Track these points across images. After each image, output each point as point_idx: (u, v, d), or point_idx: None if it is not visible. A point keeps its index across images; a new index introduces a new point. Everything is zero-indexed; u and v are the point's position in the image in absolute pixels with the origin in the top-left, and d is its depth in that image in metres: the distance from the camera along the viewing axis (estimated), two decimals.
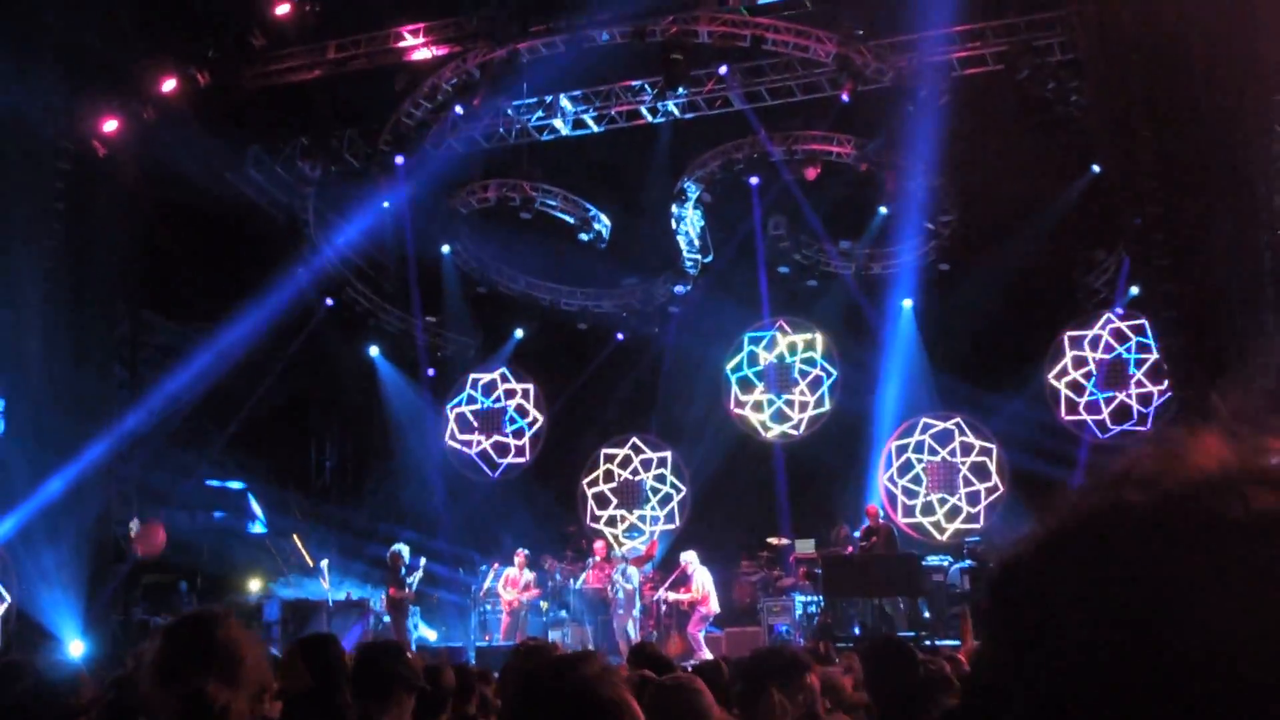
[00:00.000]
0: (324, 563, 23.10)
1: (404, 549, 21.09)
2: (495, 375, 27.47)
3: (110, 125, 20.59)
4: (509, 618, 21.38)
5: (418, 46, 20.65)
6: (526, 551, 21.96)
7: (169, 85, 20.45)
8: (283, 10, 19.84)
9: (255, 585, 23.95)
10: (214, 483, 24.89)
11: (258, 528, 25.13)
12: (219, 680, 3.45)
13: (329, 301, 25.26)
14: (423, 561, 21.19)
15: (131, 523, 21.64)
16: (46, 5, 19.24)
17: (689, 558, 20.39)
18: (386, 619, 21.48)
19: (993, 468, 23.46)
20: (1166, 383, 21.16)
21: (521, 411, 27.32)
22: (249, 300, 23.56)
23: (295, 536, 24.37)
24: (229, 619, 3.63)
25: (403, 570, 20.67)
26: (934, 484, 23.84)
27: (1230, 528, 1.03)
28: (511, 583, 21.52)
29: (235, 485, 25.39)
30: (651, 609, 20.80)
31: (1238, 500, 1.05)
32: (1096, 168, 20.90)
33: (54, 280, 20.19)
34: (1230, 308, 16.52)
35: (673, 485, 26.01)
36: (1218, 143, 16.40)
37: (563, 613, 21.79)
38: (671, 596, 20.50)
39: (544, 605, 21.65)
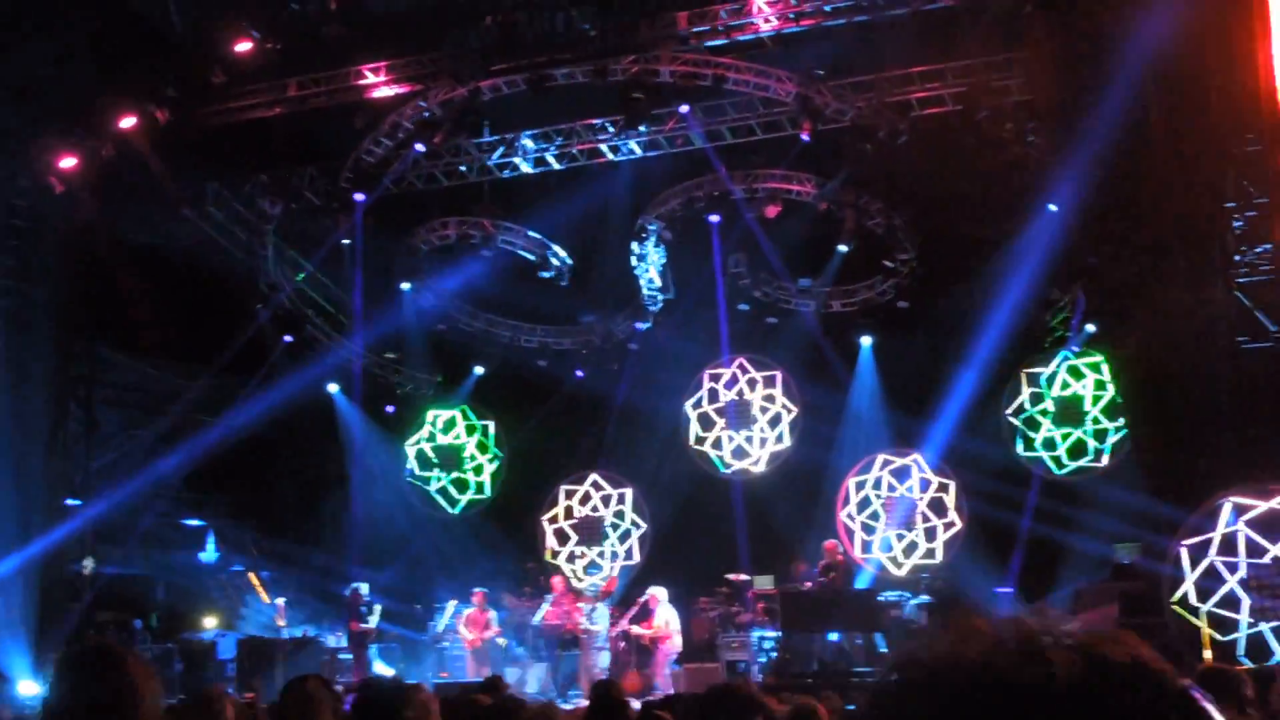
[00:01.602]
0: (280, 600, 23.01)
1: (363, 586, 21.07)
2: (455, 412, 27.43)
3: (68, 162, 20.52)
4: (472, 658, 21.36)
5: (379, 84, 20.69)
6: (485, 590, 21.95)
7: (128, 122, 20.41)
8: (244, 48, 19.86)
9: (211, 623, 23.80)
10: (170, 520, 24.74)
11: (209, 555, 24.97)
12: None
13: (288, 338, 25.17)
14: (379, 608, 21.18)
15: (85, 561, 21.52)
16: (3, 41, 19.22)
17: (657, 593, 20.45)
18: (342, 656, 21.40)
19: (950, 504, 23.56)
20: (1121, 420, 21.37)
21: (481, 448, 27.28)
22: (208, 338, 23.54)
23: (251, 575, 24.23)
24: (127, 655, 3.54)
25: (363, 607, 20.63)
26: (892, 520, 23.91)
27: (1030, 692, 1.17)
28: (471, 621, 21.49)
29: (193, 523, 25.26)
30: (610, 645, 20.80)
31: (1038, 666, 1.17)
32: (1053, 207, 21.09)
33: (8, 316, 20.12)
34: (1184, 345, 16.71)
35: (632, 522, 25.98)
36: (1171, 183, 16.61)
37: (521, 649, 21.76)
38: (634, 630, 20.50)
39: (502, 642, 21.60)
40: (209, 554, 25.10)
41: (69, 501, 21.71)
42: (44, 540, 20.59)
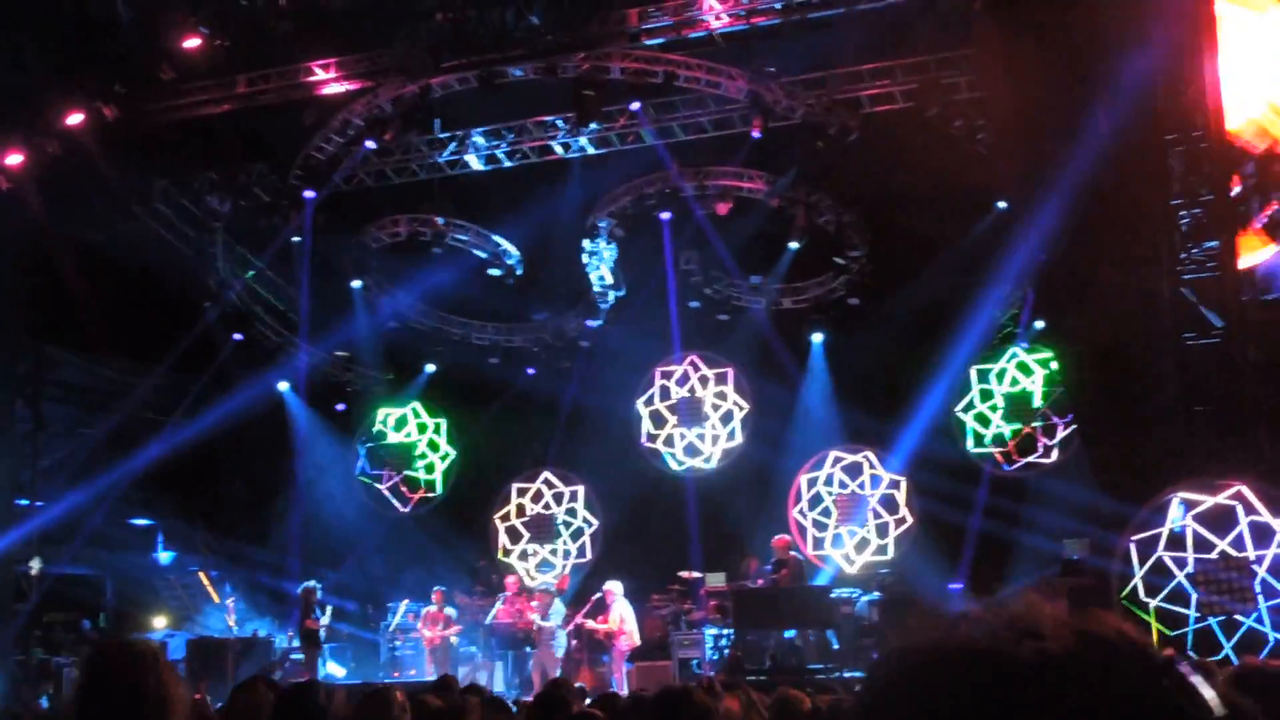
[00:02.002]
0: (230, 600, 22.91)
1: (316, 585, 20.99)
2: (406, 410, 27.35)
3: (14, 159, 20.33)
4: (430, 656, 21.38)
5: (328, 81, 20.57)
6: (444, 589, 21.96)
7: (75, 118, 20.22)
8: (192, 44, 19.69)
9: (160, 622, 23.68)
10: (118, 519, 24.53)
11: (164, 557, 24.80)
12: None
13: (237, 336, 25.01)
14: (330, 608, 21.12)
15: (32, 561, 21.34)
16: None
17: (613, 587, 20.45)
18: (294, 656, 21.31)
19: (901, 500, 23.68)
20: (1070, 415, 21.51)
21: (432, 446, 27.21)
22: (157, 335, 23.38)
23: (201, 574, 24.09)
24: (156, 657, 3.53)
25: (315, 606, 20.56)
26: (843, 516, 24.00)
27: (1029, 666, 1.26)
28: (430, 620, 21.52)
29: (142, 522, 25.06)
30: (564, 643, 20.81)
31: (1034, 640, 1.28)
32: (1002, 204, 21.23)
33: None
34: (1131, 341, 16.83)
35: (584, 520, 25.99)
36: (1117, 179, 16.72)
37: (474, 648, 21.73)
38: (589, 624, 20.50)
39: (454, 640, 21.59)
40: (163, 555, 24.90)
41: (18, 502, 21.51)
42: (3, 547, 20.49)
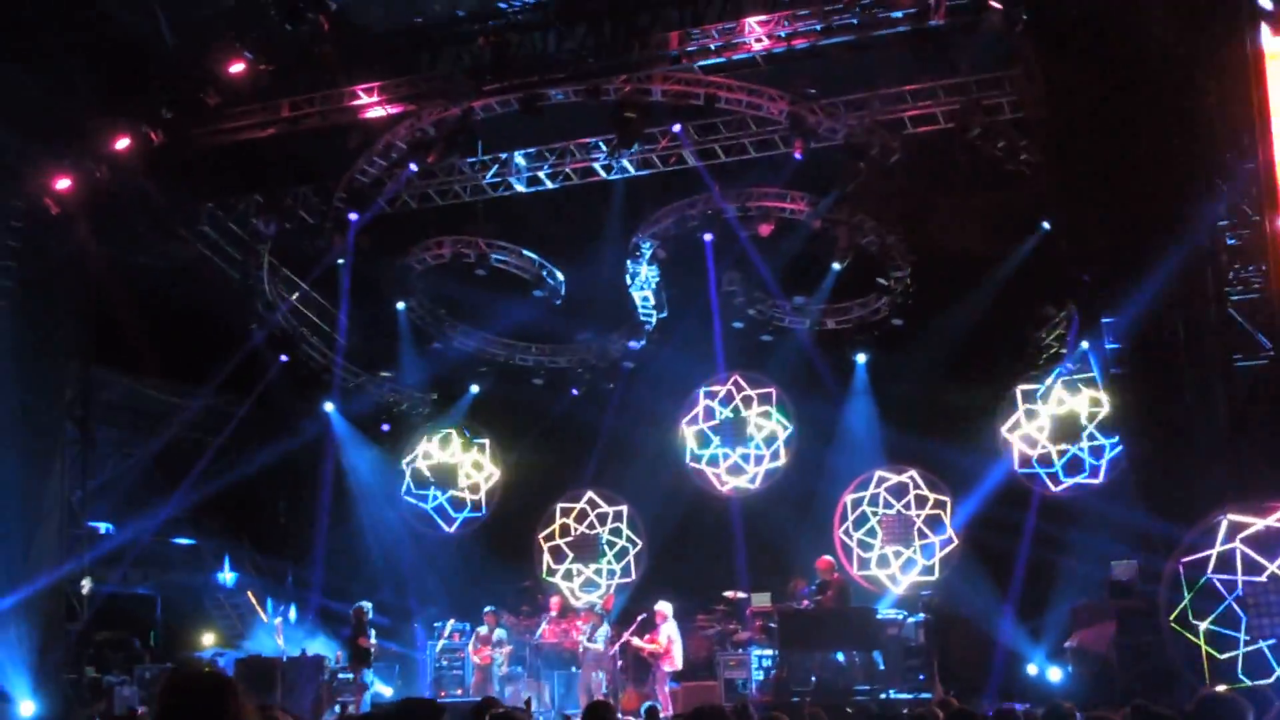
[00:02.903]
0: (278, 620, 23.02)
1: (367, 605, 21.11)
2: (451, 430, 27.45)
3: (63, 183, 20.58)
4: (479, 674, 21.54)
5: (372, 105, 20.67)
6: (494, 609, 22.11)
7: (123, 143, 20.43)
8: (237, 69, 19.85)
9: (209, 640, 23.82)
10: (168, 540, 24.72)
11: (228, 578, 24.96)
12: None
13: (283, 358, 25.16)
14: (373, 633, 21.24)
15: (84, 581, 21.51)
16: None
17: (664, 608, 20.58)
18: (343, 675, 21.40)
19: (947, 520, 23.58)
20: (1117, 436, 21.36)
21: (477, 466, 27.30)
22: (203, 357, 23.56)
23: (250, 593, 24.22)
24: (234, 688, 3.58)
25: (367, 626, 20.68)
26: (889, 537, 23.93)
27: None
28: (482, 640, 21.69)
29: (185, 541, 25.24)
30: (609, 663, 20.86)
31: None
32: (1046, 225, 21.13)
33: (6, 338, 20.15)
34: (1179, 362, 16.72)
35: (628, 539, 26.02)
36: (1163, 200, 16.63)
37: (519, 668, 21.78)
38: (635, 642, 20.54)
39: (503, 660, 21.68)
40: (228, 575, 25.06)
41: (78, 527, 21.72)
42: (56, 568, 20.70)
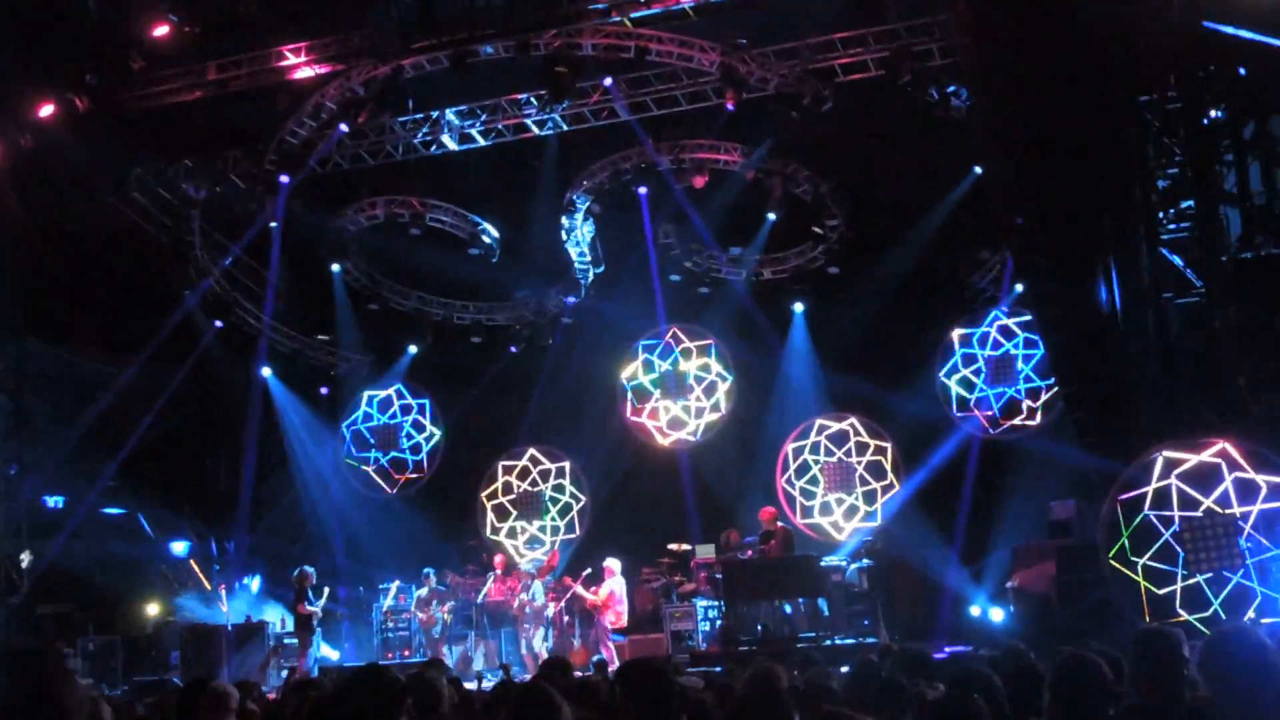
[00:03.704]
0: (221, 587, 22.92)
1: (310, 569, 20.97)
2: (390, 391, 27.32)
3: None
4: (427, 636, 21.54)
5: (300, 65, 20.46)
6: (431, 571, 22.09)
7: (47, 110, 20.13)
8: (161, 32, 19.60)
9: (153, 610, 23.66)
10: (106, 510, 24.49)
11: (179, 548, 24.75)
12: None
13: (218, 323, 24.92)
14: (326, 590, 21.12)
15: (22, 554, 21.31)
16: None
17: (612, 564, 20.69)
18: (289, 641, 21.33)
19: (888, 466, 23.74)
20: (1053, 378, 21.55)
21: (418, 426, 27.20)
22: (137, 325, 23.30)
23: (192, 561, 24.08)
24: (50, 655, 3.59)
25: (309, 590, 20.55)
26: (831, 484, 24.06)
27: None
28: (425, 600, 21.68)
29: (128, 511, 25.01)
30: (555, 619, 20.91)
31: None
32: (978, 170, 21.24)
33: None
34: (1111, 302, 16.86)
35: (572, 495, 26.04)
36: (1095, 142, 16.74)
37: (464, 628, 21.78)
38: (577, 589, 20.60)
39: (446, 619, 21.66)
40: (178, 545, 24.83)
41: (14, 500, 21.50)
42: None
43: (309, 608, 20.56)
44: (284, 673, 20.15)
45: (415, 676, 5.41)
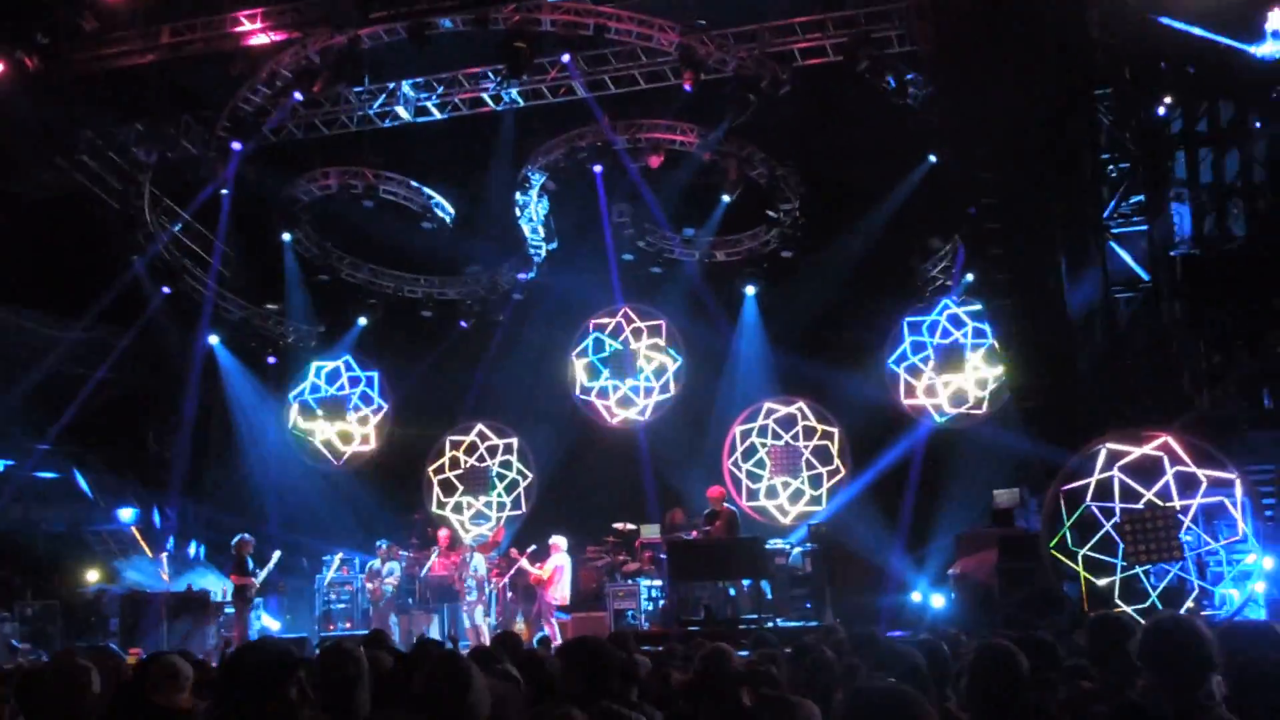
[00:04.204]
0: (163, 555, 22.77)
1: (250, 538, 20.79)
2: (339, 363, 27.18)
3: None
4: (374, 609, 21.45)
5: (255, 31, 20.28)
6: (386, 543, 22.01)
7: None
8: None
9: (93, 577, 23.48)
10: (47, 474, 24.28)
11: (126, 515, 24.55)
12: None
13: (165, 290, 24.69)
14: (276, 554, 20.92)
15: None
16: None
17: (559, 541, 20.70)
18: (228, 610, 21.22)
19: (835, 451, 23.83)
20: (1001, 367, 21.69)
21: (365, 399, 27.09)
22: (83, 288, 23.08)
23: (134, 528, 23.92)
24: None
25: (248, 559, 20.38)
26: (777, 468, 24.12)
27: None
28: (374, 573, 21.60)
29: (69, 476, 24.81)
30: (498, 595, 20.91)
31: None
32: (933, 158, 21.32)
33: None
34: (1059, 293, 17.00)
35: (519, 472, 26.00)
36: (1049, 134, 16.83)
37: (409, 600, 21.73)
38: (523, 563, 20.62)
39: (389, 591, 21.60)
40: (125, 513, 24.62)
41: None
42: None
43: (246, 577, 20.38)
44: (221, 642, 20.05)
45: (329, 648, 5.38)
